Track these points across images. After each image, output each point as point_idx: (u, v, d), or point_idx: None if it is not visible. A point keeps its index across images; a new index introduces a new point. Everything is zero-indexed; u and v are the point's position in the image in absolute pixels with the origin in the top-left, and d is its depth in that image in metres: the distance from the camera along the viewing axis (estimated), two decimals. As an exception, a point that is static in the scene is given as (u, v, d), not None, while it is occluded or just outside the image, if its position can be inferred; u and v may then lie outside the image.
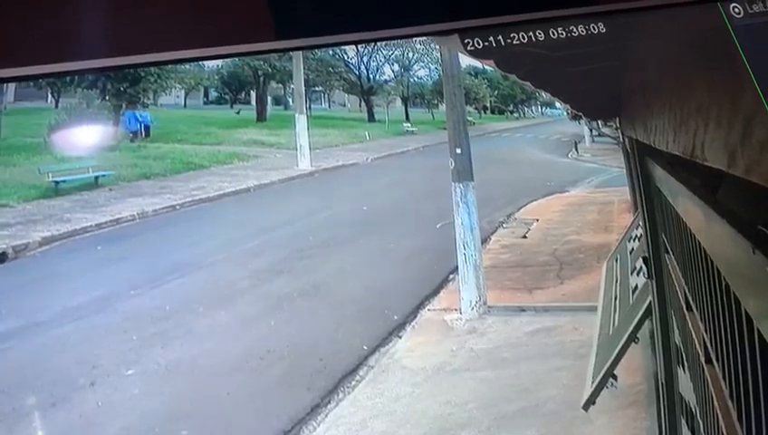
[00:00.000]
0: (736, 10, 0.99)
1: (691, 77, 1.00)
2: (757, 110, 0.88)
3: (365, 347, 1.36)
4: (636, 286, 1.41)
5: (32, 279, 1.31)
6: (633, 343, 1.30)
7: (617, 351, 1.28)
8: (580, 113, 1.92)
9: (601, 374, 1.26)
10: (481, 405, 1.22)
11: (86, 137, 1.29)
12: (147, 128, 1.78)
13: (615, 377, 1.25)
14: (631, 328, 1.31)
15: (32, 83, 1.39)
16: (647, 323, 1.34)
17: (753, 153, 0.79)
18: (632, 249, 1.52)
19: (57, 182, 1.49)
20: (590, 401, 1.22)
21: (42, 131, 1.40)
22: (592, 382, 1.25)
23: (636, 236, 1.52)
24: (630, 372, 1.29)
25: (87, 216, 1.49)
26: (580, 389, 1.23)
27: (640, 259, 1.42)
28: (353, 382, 1.29)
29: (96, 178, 1.53)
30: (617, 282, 1.48)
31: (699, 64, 0.99)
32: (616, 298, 1.44)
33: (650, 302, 1.33)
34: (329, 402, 1.23)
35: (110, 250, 1.45)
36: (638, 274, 1.42)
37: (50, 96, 1.49)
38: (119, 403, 1.14)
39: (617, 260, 1.55)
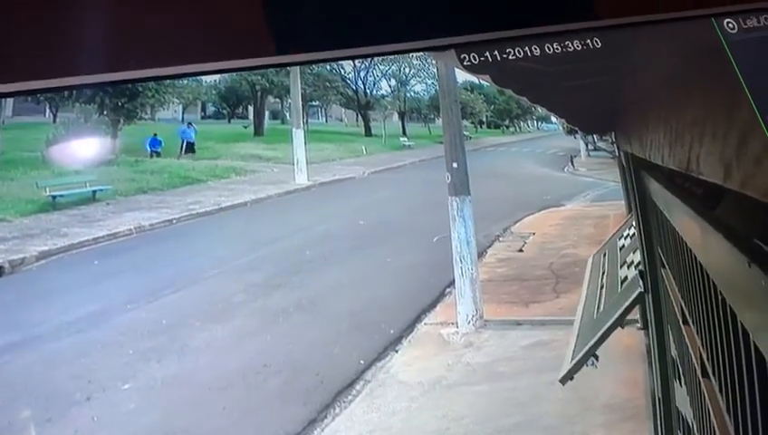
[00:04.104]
0: (731, 25, 1.00)
1: (686, 92, 1.01)
2: (752, 124, 0.88)
3: (361, 361, 1.36)
4: (625, 277, 1.42)
5: (28, 293, 1.30)
6: (619, 328, 1.32)
7: (602, 331, 1.30)
8: (576, 128, 1.93)
9: (583, 352, 1.26)
10: (478, 419, 1.21)
11: (84, 151, 1.29)
12: (190, 144, 1.79)
13: (596, 357, 1.26)
14: (620, 312, 1.33)
15: (30, 98, 1.39)
16: (643, 336, 1.35)
17: (748, 167, 0.79)
18: (623, 245, 1.53)
19: (54, 196, 1.49)
20: (568, 377, 1.24)
21: (40, 146, 1.40)
22: (572, 360, 1.26)
23: (627, 234, 1.53)
24: (628, 386, 1.29)
25: (84, 230, 1.49)
26: (578, 403, 1.23)
27: (632, 254, 1.43)
28: (349, 397, 1.28)
29: (93, 192, 1.53)
30: (604, 274, 1.49)
31: (694, 79, 1.00)
32: (602, 287, 1.45)
33: (641, 291, 1.34)
34: (325, 417, 1.23)
35: (106, 264, 1.44)
36: (627, 267, 1.43)
37: (48, 111, 1.49)
38: (114, 418, 1.13)
39: (604, 255, 1.56)
